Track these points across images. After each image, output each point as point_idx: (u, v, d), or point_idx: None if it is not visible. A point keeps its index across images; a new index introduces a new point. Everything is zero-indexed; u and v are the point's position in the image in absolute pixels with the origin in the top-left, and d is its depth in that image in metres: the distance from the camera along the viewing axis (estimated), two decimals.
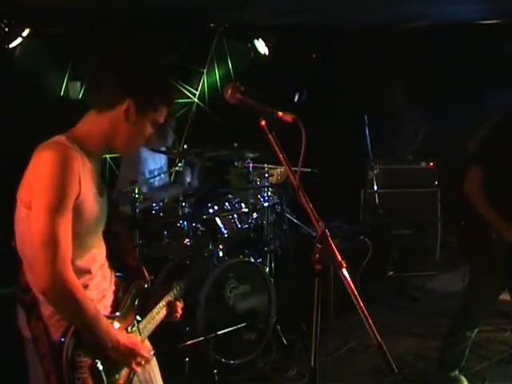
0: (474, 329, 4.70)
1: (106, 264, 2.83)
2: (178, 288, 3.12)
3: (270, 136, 2.55)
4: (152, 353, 2.88)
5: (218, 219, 5.85)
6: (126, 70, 2.67)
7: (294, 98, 8.98)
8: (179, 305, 3.07)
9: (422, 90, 8.61)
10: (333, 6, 7.13)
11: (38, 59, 7.28)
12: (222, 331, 5.15)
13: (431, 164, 7.87)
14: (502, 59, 7.96)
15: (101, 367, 2.57)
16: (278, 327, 5.65)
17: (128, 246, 2.93)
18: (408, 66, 8.57)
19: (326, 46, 8.72)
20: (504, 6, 7.18)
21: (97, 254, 2.73)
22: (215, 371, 5.04)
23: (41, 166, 2.46)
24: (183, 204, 5.78)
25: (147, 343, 2.92)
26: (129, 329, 2.78)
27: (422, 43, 8.45)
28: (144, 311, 2.90)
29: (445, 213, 7.74)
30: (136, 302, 2.86)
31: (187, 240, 5.66)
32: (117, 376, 2.67)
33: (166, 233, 5.70)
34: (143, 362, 2.72)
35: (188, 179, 6.36)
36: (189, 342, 4.89)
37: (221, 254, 5.60)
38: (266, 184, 6.28)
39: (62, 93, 7.83)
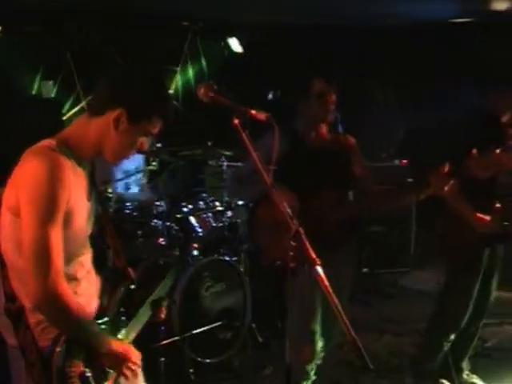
0: (450, 335, 4.72)
1: (92, 269, 2.80)
2: (164, 285, 3.10)
3: (243, 134, 2.56)
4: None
5: (192, 218, 5.84)
6: (122, 79, 2.62)
7: (267, 96, 9.00)
8: (164, 304, 3.05)
9: (397, 89, 8.67)
10: (306, 5, 7.14)
11: (11, 58, 7.22)
12: (198, 330, 5.15)
13: (404, 161, 7.91)
14: (477, 58, 8.01)
15: (90, 375, 2.55)
16: (254, 325, 5.66)
17: (115, 246, 2.91)
18: (384, 64, 8.62)
19: (301, 45, 8.72)
20: (478, 5, 7.25)
21: (84, 260, 2.71)
22: (191, 370, 5.04)
23: (30, 175, 2.41)
24: (157, 203, 5.77)
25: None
26: (117, 332, 2.77)
27: (398, 42, 8.48)
28: (130, 313, 2.88)
29: (419, 210, 7.77)
30: (123, 304, 2.84)
31: (161, 239, 5.66)
32: (105, 383, 2.65)
33: (140, 232, 5.68)
34: (134, 367, 2.70)
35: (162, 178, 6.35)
36: (164, 342, 4.87)
37: (195, 252, 5.60)
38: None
39: (34, 92, 7.77)
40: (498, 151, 3.83)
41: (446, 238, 4.68)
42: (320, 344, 4.07)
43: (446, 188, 3.83)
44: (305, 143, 4.08)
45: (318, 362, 4.13)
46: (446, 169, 3.78)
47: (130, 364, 2.66)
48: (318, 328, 4.02)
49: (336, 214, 3.92)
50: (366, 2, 7.11)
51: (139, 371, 2.91)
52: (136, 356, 2.73)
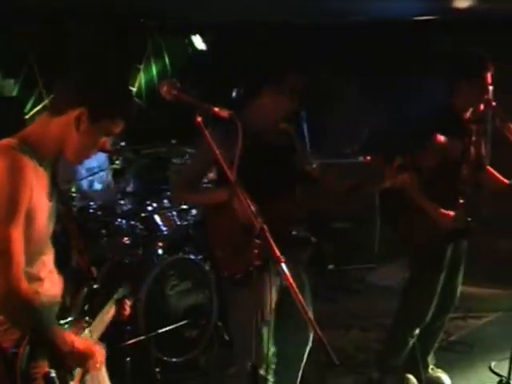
0: (414, 329, 4.75)
1: (55, 269, 2.78)
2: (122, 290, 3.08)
3: (205, 132, 2.55)
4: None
5: (156, 217, 5.81)
6: (84, 79, 2.61)
7: (231, 94, 8.97)
8: (127, 303, 3.04)
9: (361, 87, 8.71)
10: (269, 3, 7.15)
11: None
12: (164, 329, 5.12)
13: (368, 158, 7.93)
14: (440, 56, 8.06)
15: (55, 376, 2.51)
16: (220, 324, 5.64)
17: (78, 245, 2.89)
18: (348, 62, 8.66)
19: (264, 43, 8.72)
20: (441, 3, 7.31)
21: (46, 259, 2.69)
22: (157, 369, 5.01)
23: None
24: (121, 202, 5.73)
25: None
26: (80, 332, 2.74)
27: (360, 40, 8.51)
28: (94, 312, 2.86)
29: (383, 208, 7.81)
30: (86, 304, 2.82)
31: (126, 238, 5.62)
32: (71, 383, 2.63)
33: (104, 232, 5.64)
34: (99, 365, 2.69)
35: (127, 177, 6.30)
36: (130, 341, 4.84)
37: (160, 251, 5.57)
38: (205, 180, 6.24)
39: None
40: (441, 138, 3.87)
41: (409, 234, 4.71)
42: (272, 350, 3.95)
43: (398, 181, 3.90)
44: (260, 140, 3.98)
45: (273, 366, 4.03)
46: (399, 162, 3.82)
47: (95, 360, 2.65)
48: (267, 335, 3.90)
49: (295, 211, 3.89)
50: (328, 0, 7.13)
51: (103, 369, 2.91)
52: (100, 353, 2.72)
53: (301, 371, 4.17)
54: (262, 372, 3.80)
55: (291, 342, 4.01)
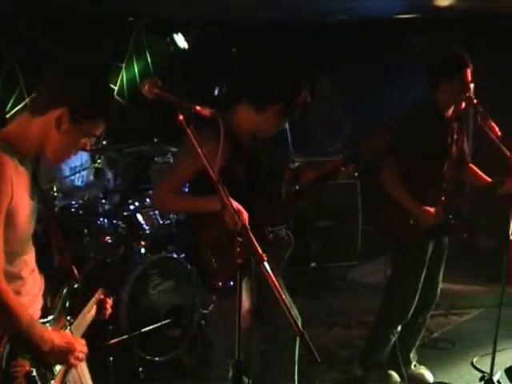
0: (396, 326, 4.77)
1: (36, 268, 2.77)
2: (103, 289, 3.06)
3: (188, 130, 2.55)
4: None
5: (139, 215, 5.78)
6: (66, 79, 2.60)
7: (214, 92, 8.98)
8: (109, 302, 3.03)
9: (341, 85, 8.73)
10: (253, 2, 7.15)
11: None
12: (146, 328, 5.11)
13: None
14: (422, 54, 8.10)
15: (36, 374, 2.52)
16: (203, 322, 5.64)
17: (59, 244, 2.88)
18: (329, 61, 8.67)
19: (247, 42, 8.71)
20: (423, 1, 7.34)
21: (28, 259, 2.68)
22: (140, 369, 4.99)
23: None
24: (103, 201, 5.71)
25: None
26: (61, 331, 2.74)
27: (343, 38, 8.53)
28: (75, 311, 2.85)
29: (365, 204, 7.85)
30: (67, 303, 2.81)
31: (108, 237, 5.60)
32: (52, 382, 2.62)
33: (86, 231, 5.62)
34: (81, 356, 2.68)
35: (108, 176, 6.28)
36: (113, 341, 4.83)
37: (143, 250, 5.56)
38: None
39: None
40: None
41: (389, 226, 4.73)
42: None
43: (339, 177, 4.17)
44: (242, 141, 3.87)
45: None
46: (340, 161, 3.88)
47: (76, 353, 2.65)
48: (249, 336, 3.85)
49: (276, 211, 3.87)
50: None
51: (86, 369, 2.90)
52: (81, 345, 2.71)
53: (296, 366, 4.14)
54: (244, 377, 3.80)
55: (281, 337, 4.02)
